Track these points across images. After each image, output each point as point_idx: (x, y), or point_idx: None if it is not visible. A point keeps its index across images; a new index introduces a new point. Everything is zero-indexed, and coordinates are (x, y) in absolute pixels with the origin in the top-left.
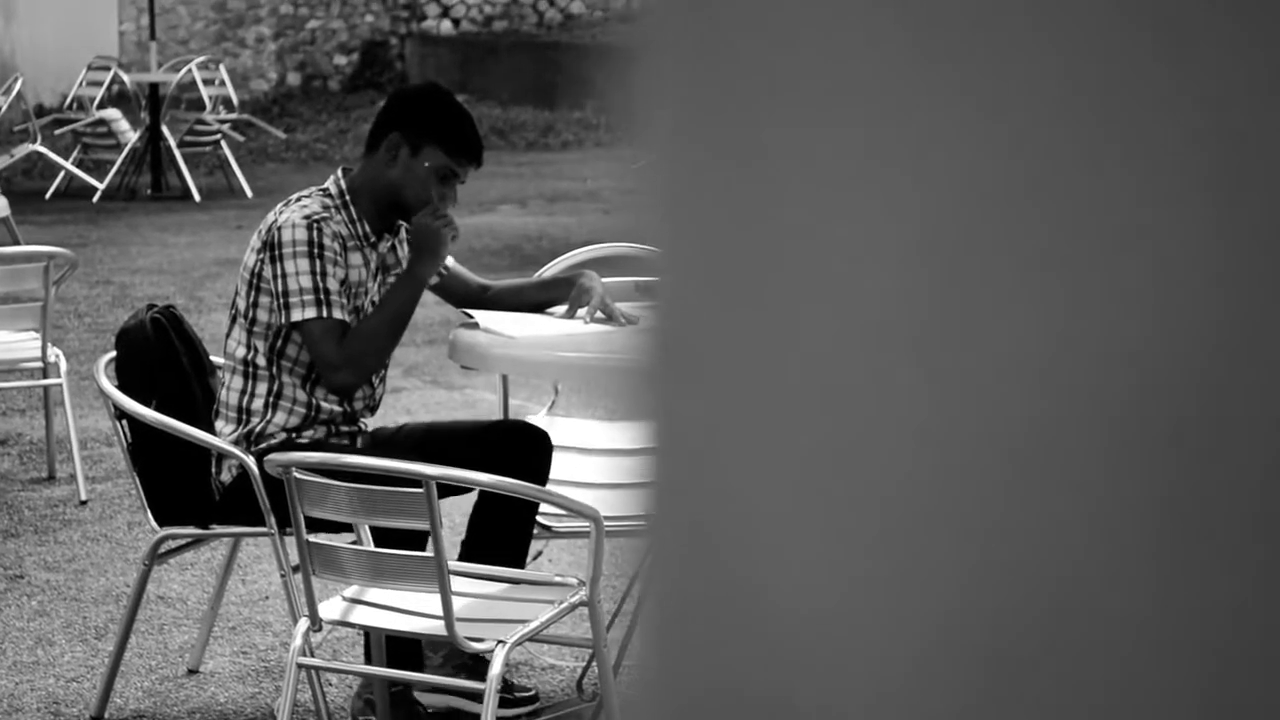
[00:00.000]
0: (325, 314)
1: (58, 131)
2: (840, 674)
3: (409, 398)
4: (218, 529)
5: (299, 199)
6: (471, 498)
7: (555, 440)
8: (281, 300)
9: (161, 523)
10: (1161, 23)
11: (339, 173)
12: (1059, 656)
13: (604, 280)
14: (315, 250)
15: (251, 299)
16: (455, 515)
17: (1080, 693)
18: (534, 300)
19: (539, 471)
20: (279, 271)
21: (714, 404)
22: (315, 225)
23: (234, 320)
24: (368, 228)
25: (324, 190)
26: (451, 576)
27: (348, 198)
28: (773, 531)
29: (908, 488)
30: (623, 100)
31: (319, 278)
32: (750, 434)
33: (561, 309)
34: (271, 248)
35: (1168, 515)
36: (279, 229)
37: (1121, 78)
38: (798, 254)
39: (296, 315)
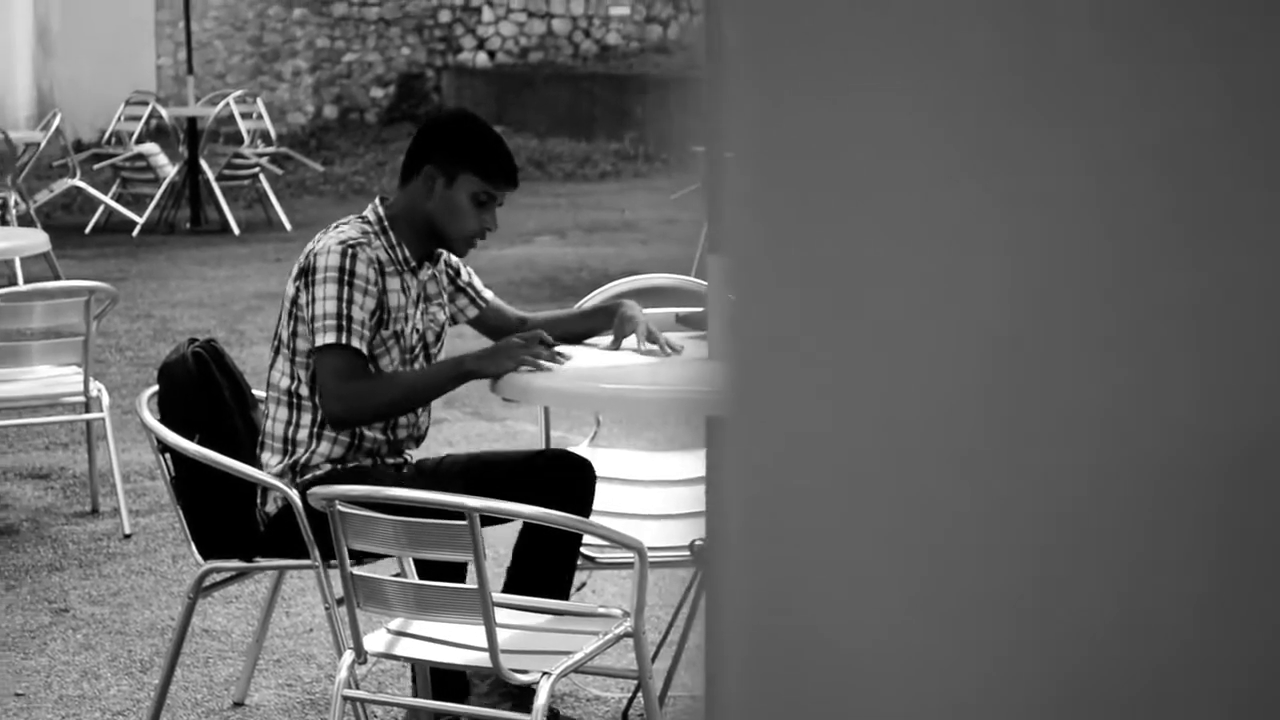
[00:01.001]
0: (345, 340)
1: (96, 166)
2: (903, 710)
3: (450, 429)
4: (262, 561)
5: (337, 226)
6: (515, 527)
7: (598, 471)
8: (309, 325)
9: (206, 556)
10: (1246, 79)
11: (377, 201)
12: (1116, 689)
13: (645, 311)
14: (345, 277)
15: (292, 328)
16: (499, 546)
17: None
18: (574, 331)
19: (583, 500)
20: (311, 297)
21: (778, 442)
22: (349, 252)
23: (277, 351)
24: (408, 253)
25: (363, 218)
26: (496, 608)
27: (386, 224)
28: (836, 571)
29: (969, 520)
30: (668, 128)
31: (344, 304)
32: (812, 472)
33: (603, 339)
34: (306, 273)
35: (1225, 552)
36: (315, 255)
37: (1198, 130)
38: (870, 291)
39: (318, 340)
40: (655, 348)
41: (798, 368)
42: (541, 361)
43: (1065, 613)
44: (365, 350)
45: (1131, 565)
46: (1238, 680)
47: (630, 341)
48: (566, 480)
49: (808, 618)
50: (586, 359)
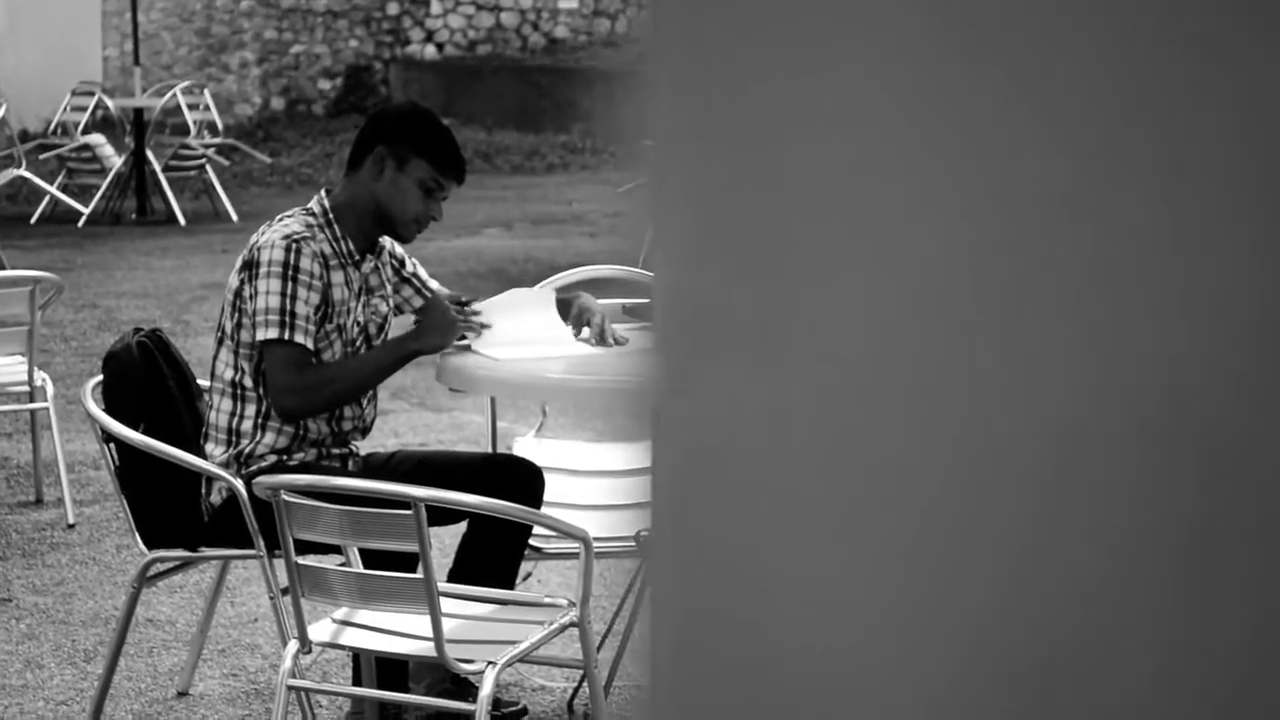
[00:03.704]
0: (288, 336)
1: (42, 156)
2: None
3: (396, 420)
4: (206, 551)
5: (281, 219)
6: (459, 531)
7: (543, 462)
8: (251, 319)
9: (150, 545)
10: (1202, 33)
11: (322, 193)
12: (1081, 676)
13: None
14: (289, 272)
15: (236, 320)
16: (445, 536)
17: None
18: None
19: (530, 506)
20: (254, 290)
21: (722, 425)
22: (293, 246)
23: (220, 342)
24: (351, 246)
25: (307, 210)
26: (441, 598)
27: (331, 216)
28: (783, 556)
29: (923, 514)
30: (616, 121)
31: (288, 299)
32: (760, 453)
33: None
34: (250, 267)
35: (1197, 527)
36: (259, 249)
37: (1159, 88)
38: (819, 262)
39: (260, 334)
40: (601, 345)
41: (734, 355)
42: (471, 325)
43: (1024, 613)
44: (311, 344)
45: (1091, 556)
46: (1204, 670)
47: (587, 332)
48: (514, 484)
49: (745, 607)
50: (536, 347)
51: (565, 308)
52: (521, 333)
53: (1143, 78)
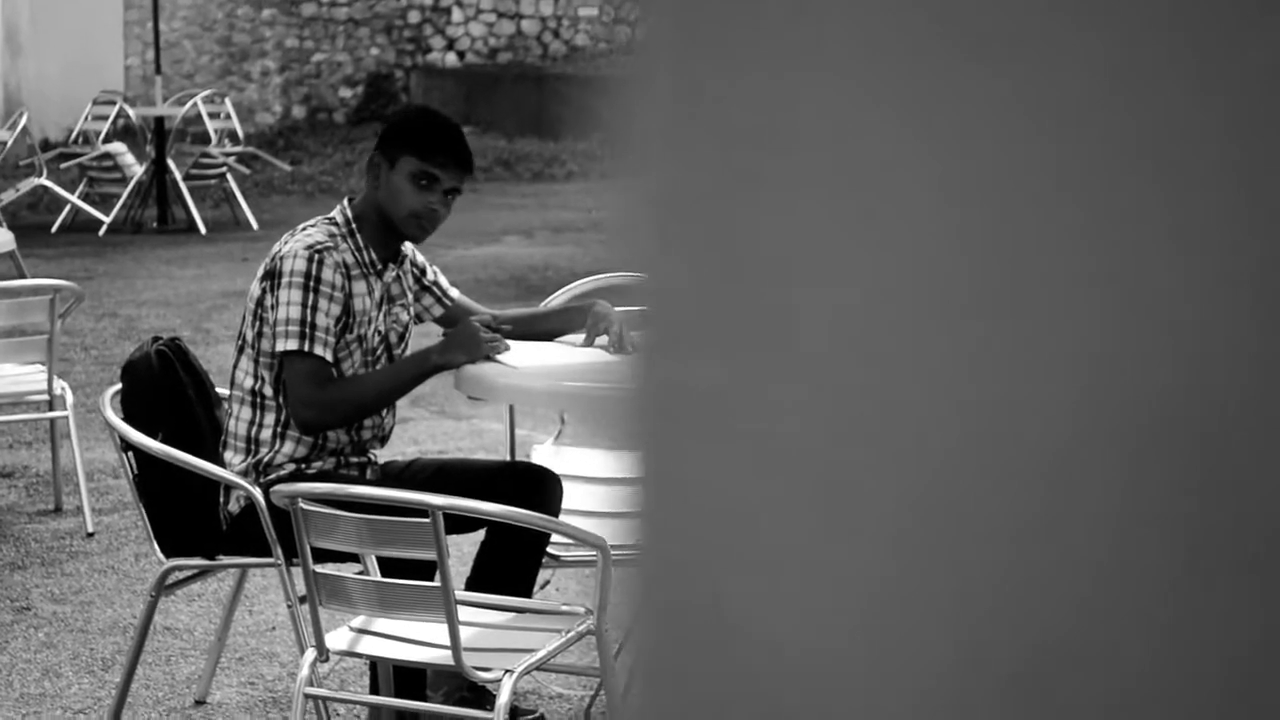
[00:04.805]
0: (307, 348)
1: (63, 165)
2: (838, 712)
3: (416, 428)
4: (225, 560)
5: (304, 228)
6: (478, 539)
7: (562, 470)
8: (272, 329)
9: (168, 554)
10: (1202, 44)
11: (345, 202)
12: (1072, 689)
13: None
14: (310, 283)
15: (257, 329)
16: (463, 544)
17: None
18: (543, 329)
19: (548, 514)
20: (276, 300)
21: (706, 433)
22: (315, 257)
23: (241, 350)
24: (374, 255)
25: (330, 219)
26: (458, 606)
27: (353, 226)
28: (768, 565)
29: (912, 512)
30: (619, 128)
31: (308, 310)
32: (745, 464)
33: (574, 337)
34: (272, 276)
35: (1194, 530)
36: (281, 258)
37: (1156, 89)
38: (800, 274)
39: (280, 345)
40: (619, 352)
41: (722, 357)
42: (499, 347)
43: (1018, 612)
44: (330, 356)
45: (1093, 561)
46: (1208, 686)
47: (603, 340)
48: (533, 492)
49: (733, 612)
50: (554, 356)
51: (582, 315)
52: (543, 347)
53: (1140, 78)
